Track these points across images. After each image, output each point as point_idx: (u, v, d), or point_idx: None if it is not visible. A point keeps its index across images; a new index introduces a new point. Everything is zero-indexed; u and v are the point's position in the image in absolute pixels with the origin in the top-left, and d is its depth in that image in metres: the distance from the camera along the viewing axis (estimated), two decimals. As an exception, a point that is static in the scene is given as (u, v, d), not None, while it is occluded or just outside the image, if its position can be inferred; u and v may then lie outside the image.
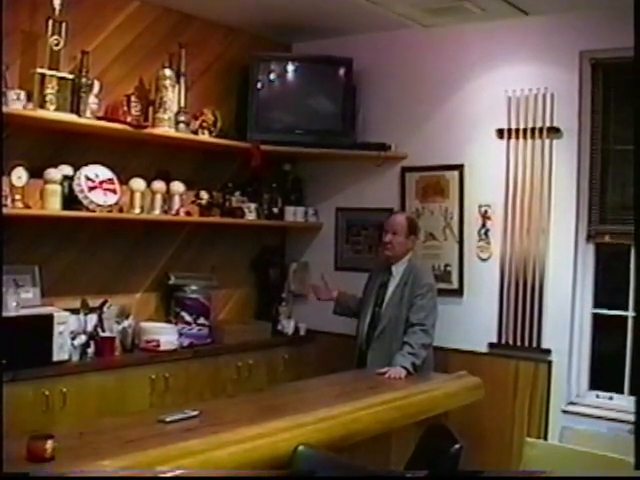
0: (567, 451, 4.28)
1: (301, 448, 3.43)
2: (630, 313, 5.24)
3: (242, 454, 3.35)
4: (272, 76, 6.22)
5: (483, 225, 5.77)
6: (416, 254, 5.56)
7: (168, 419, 3.60)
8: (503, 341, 5.66)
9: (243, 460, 3.34)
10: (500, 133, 5.67)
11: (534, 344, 5.53)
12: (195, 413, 3.71)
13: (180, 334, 5.56)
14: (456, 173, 5.91)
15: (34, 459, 2.93)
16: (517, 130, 5.60)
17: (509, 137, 5.64)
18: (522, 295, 5.58)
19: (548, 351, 5.49)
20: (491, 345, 5.71)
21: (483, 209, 5.77)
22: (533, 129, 5.53)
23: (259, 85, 6.14)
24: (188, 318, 5.67)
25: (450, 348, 5.72)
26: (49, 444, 2.95)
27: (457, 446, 3.74)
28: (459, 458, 3.74)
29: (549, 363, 5.48)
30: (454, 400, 4.94)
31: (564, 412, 5.42)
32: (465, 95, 5.89)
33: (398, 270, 5.37)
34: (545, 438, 5.36)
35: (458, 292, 5.90)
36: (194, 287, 5.79)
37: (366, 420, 4.07)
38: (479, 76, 5.80)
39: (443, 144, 5.98)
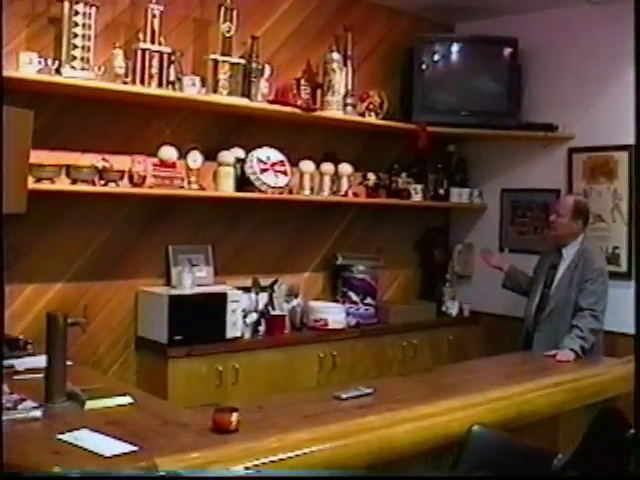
0: None
1: (475, 428, 3.44)
2: None
3: (417, 432, 3.39)
4: (436, 57, 6.20)
5: (654, 206, 5.62)
6: (587, 238, 5.43)
7: (344, 396, 3.65)
8: (674, 326, 5.51)
9: (418, 438, 3.38)
10: (673, 112, 5.51)
11: None
12: (369, 391, 3.75)
13: (347, 313, 5.67)
14: (625, 154, 5.76)
15: (219, 430, 3.02)
16: (691, 109, 5.43)
17: (682, 116, 5.47)
18: (696, 278, 5.42)
19: None
20: (661, 330, 5.56)
21: (654, 190, 5.62)
22: None
23: (423, 67, 6.14)
24: (355, 298, 5.77)
25: (618, 332, 5.58)
26: (234, 417, 3.04)
27: (632, 431, 3.65)
28: (634, 444, 3.67)
29: None
30: (624, 384, 4.82)
31: None
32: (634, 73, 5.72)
33: (569, 253, 5.28)
34: None
35: (627, 275, 5.76)
36: (361, 267, 5.88)
37: (537, 401, 4.04)
38: (649, 53, 5.63)
39: (611, 124, 5.81)
